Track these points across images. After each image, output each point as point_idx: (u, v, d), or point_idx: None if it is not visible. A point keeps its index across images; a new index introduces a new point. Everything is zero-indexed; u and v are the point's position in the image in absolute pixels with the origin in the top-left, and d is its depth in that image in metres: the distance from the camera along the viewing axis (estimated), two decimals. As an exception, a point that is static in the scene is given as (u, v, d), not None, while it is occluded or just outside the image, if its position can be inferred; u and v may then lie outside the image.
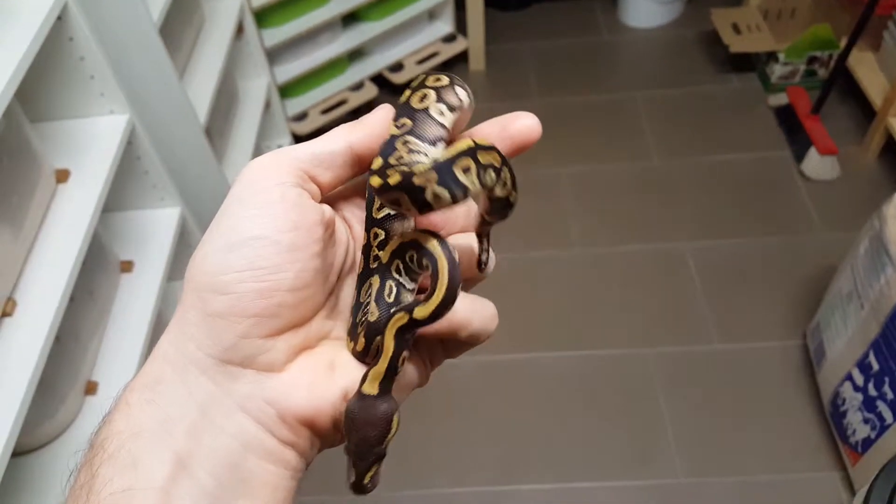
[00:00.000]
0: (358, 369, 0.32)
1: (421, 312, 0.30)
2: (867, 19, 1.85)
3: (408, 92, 0.35)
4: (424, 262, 0.32)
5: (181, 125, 1.34)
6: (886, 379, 1.21)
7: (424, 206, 0.29)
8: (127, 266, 1.26)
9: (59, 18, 1.00)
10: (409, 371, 0.33)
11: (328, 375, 0.31)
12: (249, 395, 0.29)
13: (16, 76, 0.87)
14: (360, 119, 0.33)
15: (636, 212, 1.99)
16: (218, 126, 1.61)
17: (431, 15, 2.35)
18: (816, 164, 1.99)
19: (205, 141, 1.40)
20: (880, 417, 1.23)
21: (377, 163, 0.31)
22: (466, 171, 0.29)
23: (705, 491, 1.45)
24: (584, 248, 1.90)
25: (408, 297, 0.33)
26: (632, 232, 1.93)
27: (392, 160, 0.31)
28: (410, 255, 0.32)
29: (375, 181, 0.30)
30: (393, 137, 0.33)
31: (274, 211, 0.30)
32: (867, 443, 1.27)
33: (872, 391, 1.25)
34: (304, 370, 0.31)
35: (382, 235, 0.33)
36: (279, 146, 2.04)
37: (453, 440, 1.56)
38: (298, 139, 2.15)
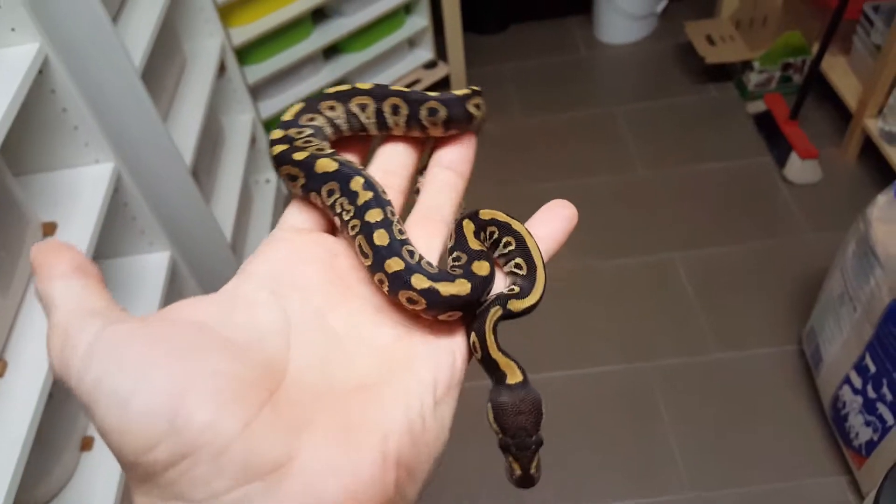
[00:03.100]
0: (379, 416, 0.26)
1: (517, 306, 0.33)
2: (837, 24, 1.88)
3: None
4: (516, 257, 0.34)
5: (167, 168, 1.34)
6: (884, 380, 1.22)
7: None
8: (119, 313, 1.24)
9: (39, 72, 1.00)
10: None
11: (348, 441, 0.25)
12: None
13: (-1, 134, 0.87)
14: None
15: (624, 224, 2.01)
16: (204, 165, 1.60)
17: (412, 43, 2.37)
18: (798, 169, 2.02)
19: (192, 182, 1.40)
20: (881, 419, 1.23)
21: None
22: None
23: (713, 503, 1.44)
24: (574, 263, 1.90)
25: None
26: (621, 245, 1.94)
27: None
28: (508, 243, 0.34)
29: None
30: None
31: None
32: (871, 445, 1.27)
33: (872, 393, 1.26)
34: (318, 449, 0.24)
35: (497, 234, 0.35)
36: (267, 181, 2.04)
37: (455, 462, 1.54)
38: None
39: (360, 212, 0.32)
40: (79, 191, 1.13)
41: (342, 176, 0.33)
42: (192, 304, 0.28)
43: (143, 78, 1.24)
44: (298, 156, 0.34)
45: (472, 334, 0.32)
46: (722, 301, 1.78)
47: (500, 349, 0.32)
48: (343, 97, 0.37)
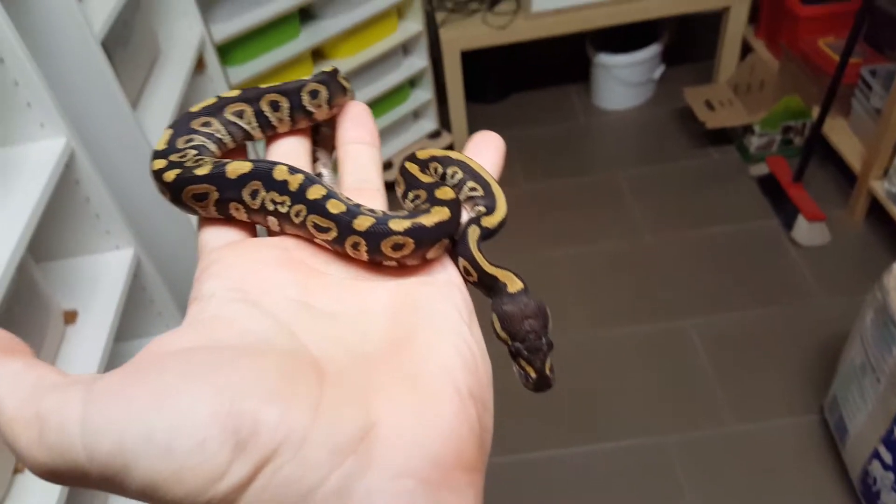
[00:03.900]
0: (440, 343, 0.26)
1: (490, 222, 0.33)
2: (836, 89, 1.92)
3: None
4: (468, 181, 0.34)
5: (184, 251, 1.35)
6: (916, 454, 1.20)
7: None
8: (135, 399, 1.23)
9: (66, 166, 1.01)
10: None
11: (421, 389, 0.24)
12: (372, 490, 0.22)
13: (27, 230, 0.87)
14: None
15: (633, 291, 2.00)
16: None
17: (416, 114, 2.42)
18: (806, 231, 2.03)
19: (207, 263, 1.40)
20: (916, 495, 1.21)
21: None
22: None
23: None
24: (583, 332, 1.89)
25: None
26: (632, 312, 1.93)
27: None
28: (454, 173, 0.35)
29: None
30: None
31: None
32: (906, 522, 1.24)
33: (903, 467, 1.23)
34: (395, 406, 0.23)
35: (424, 197, 0.34)
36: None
37: None
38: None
39: (298, 196, 0.30)
40: (99, 277, 1.13)
41: (261, 172, 0.30)
42: (169, 338, 0.25)
43: (163, 163, 1.26)
44: (201, 171, 0.31)
45: (460, 259, 0.31)
46: (738, 369, 1.76)
47: (492, 263, 0.32)
48: (213, 110, 0.34)
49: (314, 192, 0.30)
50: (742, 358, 1.78)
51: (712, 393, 1.71)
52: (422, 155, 0.35)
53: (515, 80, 2.85)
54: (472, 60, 2.47)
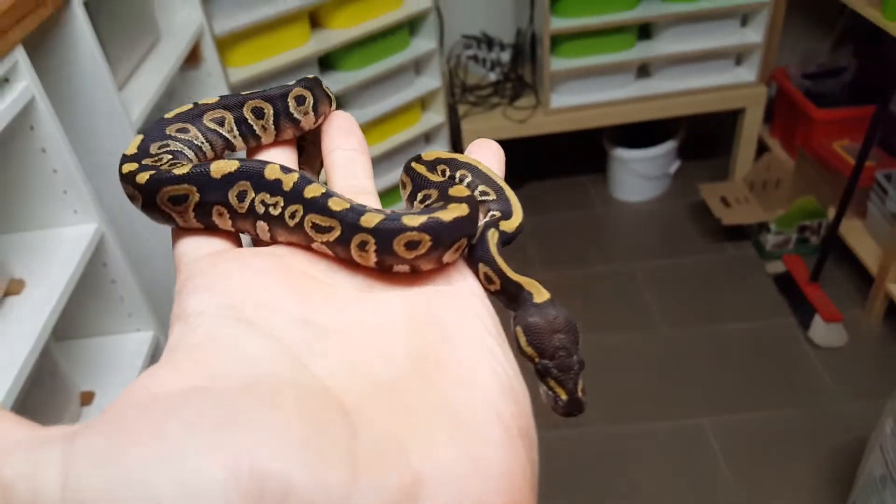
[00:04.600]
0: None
1: (508, 226, 0.31)
2: (851, 194, 1.95)
3: None
4: (479, 186, 0.32)
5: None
6: (943, 577, 1.14)
7: None
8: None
9: (95, 249, 1.04)
10: None
11: (465, 430, 0.20)
12: None
13: (53, 314, 0.90)
14: None
15: (648, 385, 1.97)
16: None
17: (435, 200, 2.48)
18: (823, 332, 2.01)
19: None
20: None
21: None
22: None
23: None
24: (596, 427, 1.85)
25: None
26: (646, 408, 1.90)
27: None
28: (463, 176, 0.32)
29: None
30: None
31: None
32: None
33: (930, 590, 1.18)
34: (439, 453, 0.20)
35: (434, 196, 0.31)
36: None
37: None
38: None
39: (293, 196, 0.26)
40: (118, 359, 1.14)
41: (250, 170, 0.27)
42: (159, 374, 0.21)
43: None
44: (180, 170, 0.27)
45: (480, 265, 0.28)
46: (755, 470, 1.71)
47: (515, 271, 0.29)
48: (190, 116, 0.31)
49: (312, 191, 0.26)
50: (760, 459, 1.74)
51: (731, 495, 1.66)
52: (427, 156, 0.33)
53: (533, 170, 2.91)
54: (492, 150, 2.53)
